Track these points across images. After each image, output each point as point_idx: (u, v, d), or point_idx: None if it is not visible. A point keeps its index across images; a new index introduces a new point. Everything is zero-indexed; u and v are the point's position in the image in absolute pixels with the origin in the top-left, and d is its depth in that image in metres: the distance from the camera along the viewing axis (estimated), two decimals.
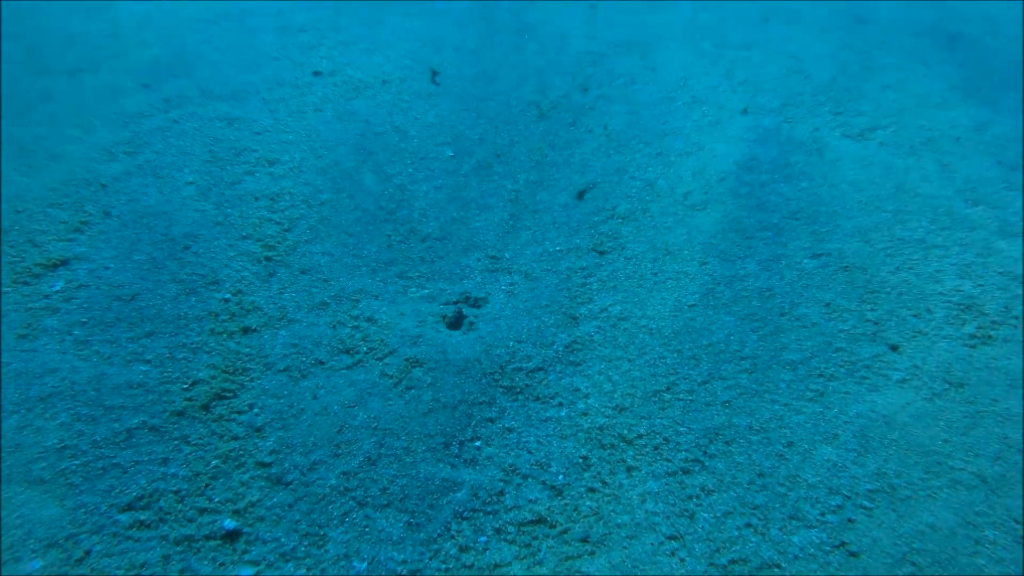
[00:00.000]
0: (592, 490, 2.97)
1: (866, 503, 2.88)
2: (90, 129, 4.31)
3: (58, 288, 3.43)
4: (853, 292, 3.79)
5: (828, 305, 3.72)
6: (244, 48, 5.28)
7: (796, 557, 2.74)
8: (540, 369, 3.48)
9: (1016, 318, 3.62)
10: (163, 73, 4.87)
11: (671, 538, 2.81)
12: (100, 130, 4.30)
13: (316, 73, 5.11)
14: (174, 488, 2.82)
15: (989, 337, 3.55)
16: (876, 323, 3.63)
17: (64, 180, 3.94)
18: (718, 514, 2.87)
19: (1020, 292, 3.76)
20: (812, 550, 2.76)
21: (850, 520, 2.83)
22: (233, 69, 5.01)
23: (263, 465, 2.94)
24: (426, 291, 3.93)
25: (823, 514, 2.85)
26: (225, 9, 5.81)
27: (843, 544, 2.77)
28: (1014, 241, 4.12)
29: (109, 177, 3.99)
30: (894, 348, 3.52)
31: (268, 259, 3.77)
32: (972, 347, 3.50)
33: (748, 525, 2.82)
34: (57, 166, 4.03)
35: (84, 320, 3.31)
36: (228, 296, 3.54)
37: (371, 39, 5.65)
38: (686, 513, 2.88)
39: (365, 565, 2.71)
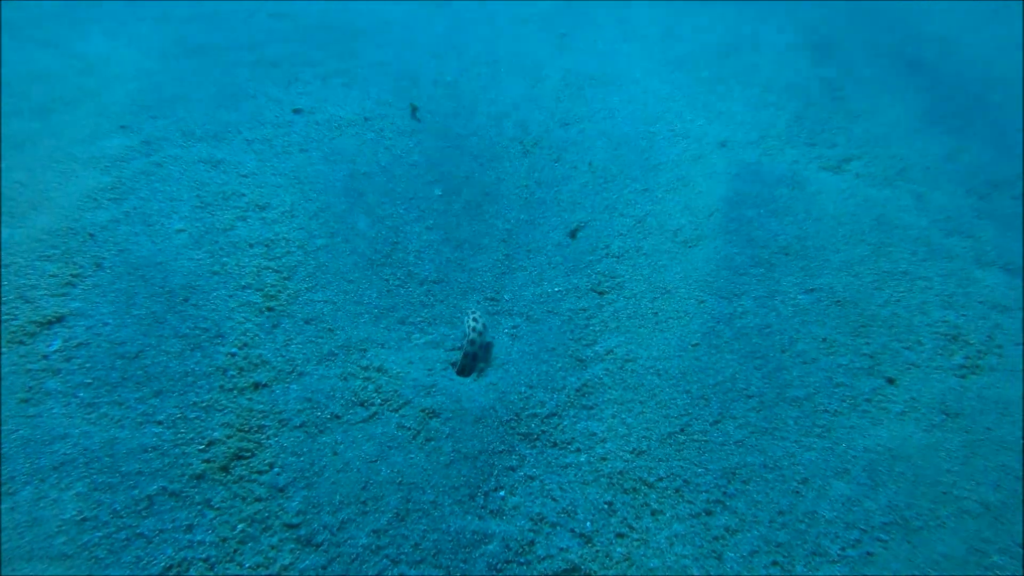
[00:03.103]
0: (621, 535, 3.14)
1: (882, 536, 3.13)
2: (70, 174, 4.30)
3: (56, 347, 3.43)
4: (847, 326, 4.08)
5: (825, 340, 4.00)
6: (220, 85, 5.32)
7: None
8: (554, 415, 3.64)
9: (999, 347, 3.96)
10: (139, 113, 4.88)
11: None
12: (81, 175, 4.30)
13: (296, 111, 5.19)
14: (203, 556, 2.87)
15: (977, 367, 3.87)
16: (872, 356, 3.91)
17: (49, 230, 3.93)
18: (744, 553, 3.07)
19: (1000, 321, 4.11)
20: None
21: (869, 553, 3.07)
22: (211, 107, 5.05)
23: (291, 527, 3.01)
24: (430, 336, 4.06)
25: (843, 549, 3.08)
26: (194, 44, 5.83)
27: None
28: (990, 270, 4.49)
29: (96, 226, 4.00)
30: (891, 381, 3.80)
31: (270, 309, 3.84)
32: (963, 377, 3.81)
33: (775, 563, 3.03)
34: (40, 215, 4.01)
35: (88, 381, 3.32)
36: (234, 350, 3.60)
37: (347, 73, 5.76)
38: (714, 554, 3.08)
39: None
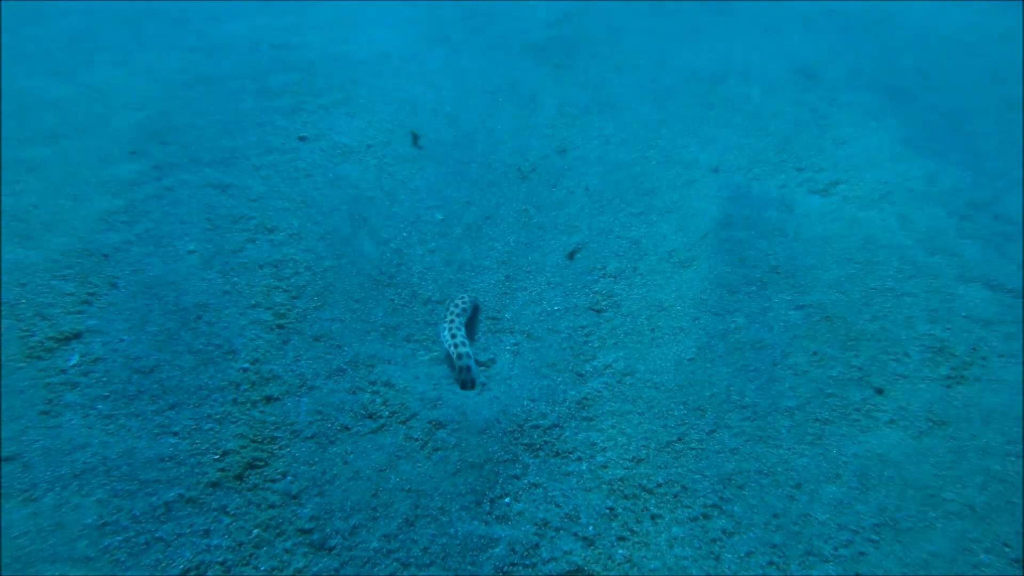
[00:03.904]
0: (622, 539, 3.30)
1: (873, 536, 3.29)
2: (83, 198, 4.49)
3: (74, 362, 3.59)
4: (836, 340, 4.28)
5: (815, 354, 4.19)
6: (226, 112, 5.55)
7: None
8: (556, 426, 3.81)
9: (983, 358, 4.16)
10: (148, 139, 5.09)
11: None
12: (94, 199, 4.49)
13: (301, 138, 5.41)
14: (220, 559, 3.01)
15: (962, 377, 4.07)
16: (861, 368, 4.11)
17: (64, 251, 4.11)
18: (741, 554, 3.23)
19: (984, 335, 4.32)
20: None
21: (861, 553, 3.23)
22: (218, 134, 5.27)
23: (304, 532, 3.15)
24: (435, 354, 4.24)
25: (836, 549, 3.25)
26: (200, 74, 6.07)
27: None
28: (973, 286, 4.71)
29: (110, 247, 4.18)
30: (879, 391, 3.99)
31: (280, 327, 4.01)
32: (948, 387, 4.01)
33: (771, 563, 3.19)
34: (55, 236, 4.19)
35: (106, 394, 3.48)
36: (246, 365, 3.76)
37: (349, 102, 6.00)
38: (712, 555, 3.23)
39: None
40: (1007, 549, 3.23)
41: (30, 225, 4.25)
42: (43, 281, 3.93)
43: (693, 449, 3.69)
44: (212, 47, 6.58)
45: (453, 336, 4.14)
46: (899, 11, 9.81)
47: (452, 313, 4.32)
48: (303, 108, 5.82)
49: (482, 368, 4.23)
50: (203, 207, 4.59)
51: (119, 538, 2.99)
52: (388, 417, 3.70)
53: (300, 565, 3.05)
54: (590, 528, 3.34)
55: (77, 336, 3.71)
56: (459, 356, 4.07)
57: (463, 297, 4.45)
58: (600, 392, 4.02)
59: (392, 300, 4.46)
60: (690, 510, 3.41)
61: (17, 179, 4.58)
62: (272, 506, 3.22)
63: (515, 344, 4.40)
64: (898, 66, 8.09)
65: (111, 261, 4.11)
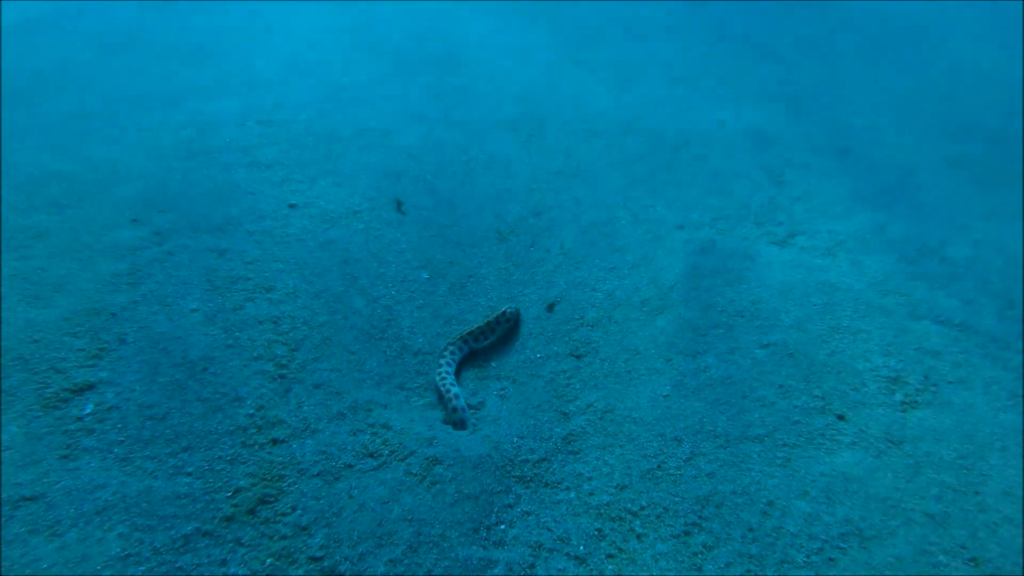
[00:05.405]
0: (611, 556, 3.63)
1: (841, 544, 3.66)
2: (89, 262, 4.85)
3: (89, 410, 3.89)
4: (799, 374, 4.72)
5: (781, 386, 4.62)
6: (219, 183, 5.99)
7: None
8: (544, 460, 4.17)
9: (934, 385, 4.62)
10: (147, 208, 5.50)
11: None
12: (99, 262, 4.85)
13: (292, 206, 5.86)
14: None
15: (915, 402, 4.52)
16: (823, 398, 4.54)
17: (74, 310, 4.44)
18: (721, 565, 3.58)
19: (934, 364, 4.80)
20: None
21: (831, 559, 3.59)
22: (213, 203, 5.69)
23: (315, 559, 3.44)
24: (426, 399, 4.62)
25: (808, 556, 3.61)
26: (192, 148, 6.54)
27: None
28: (922, 322, 5.21)
29: (117, 306, 4.53)
30: (841, 418, 4.42)
31: (282, 376, 4.36)
32: (903, 411, 4.45)
33: (748, 572, 3.54)
34: (64, 297, 4.53)
35: (121, 439, 3.78)
36: (252, 411, 4.09)
37: (335, 173, 6.49)
38: (695, 567, 3.57)
39: None
40: (963, 550, 3.62)
41: (40, 287, 4.59)
42: (55, 338, 4.25)
43: (672, 475, 4.06)
44: (202, 124, 7.08)
45: (443, 379, 4.57)
46: (845, 78, 10.70)
47: (446, 359, 4.76)
48: (291, 179, 6.28)
49: (472, 411, 4.60)
50: (203, 269, 4.97)
51: (142, 568, 3.26)
52: (388, 455, 4.04)
53: None
54: (581, 548, 3.67)
55: (91, 387, 4.02)
56: (449, 400, 4.47)
57: (458, 344, 4.90)
58: (584, 428, 4.40)
59: (384, 352, 4.84)
60: (672, 528, 3.77)
61: (25, 244, 4.94)
62: (284, 537, 3.51)
63: (501, 389, 4.79)
64: (847, 128, 8.85)
65: (119, 319, 4.45)
